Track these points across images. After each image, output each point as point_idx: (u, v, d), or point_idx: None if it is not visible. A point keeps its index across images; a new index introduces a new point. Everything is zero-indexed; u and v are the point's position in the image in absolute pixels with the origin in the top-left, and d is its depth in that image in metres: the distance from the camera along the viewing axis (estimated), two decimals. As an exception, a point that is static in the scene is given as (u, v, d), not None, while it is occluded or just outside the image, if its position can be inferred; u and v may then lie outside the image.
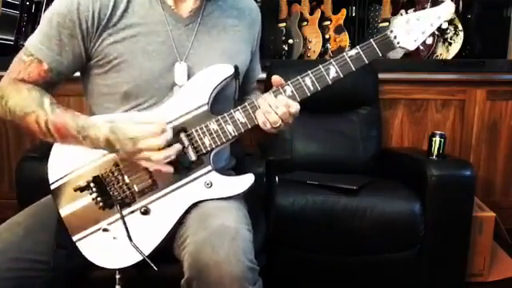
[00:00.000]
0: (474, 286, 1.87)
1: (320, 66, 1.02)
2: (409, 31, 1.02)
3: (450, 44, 2.31)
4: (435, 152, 1.79)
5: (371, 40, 1.02)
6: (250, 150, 1.48)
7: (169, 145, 0.94)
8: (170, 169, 0.95)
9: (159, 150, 0.92)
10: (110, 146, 0.95)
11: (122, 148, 0.94)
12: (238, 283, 0.84)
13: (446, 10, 1.02)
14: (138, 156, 0.94)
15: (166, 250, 1.00)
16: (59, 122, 0.96)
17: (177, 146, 0.95)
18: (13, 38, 2.33)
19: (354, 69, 1.02)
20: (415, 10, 2.29)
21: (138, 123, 0.93)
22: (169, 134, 0.94)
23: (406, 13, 2.32)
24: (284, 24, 2.47)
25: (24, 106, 0.97)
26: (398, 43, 1.02)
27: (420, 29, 1.02)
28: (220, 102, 1.06)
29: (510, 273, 1.94)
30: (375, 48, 1.01)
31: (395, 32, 1.02)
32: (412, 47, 1.03)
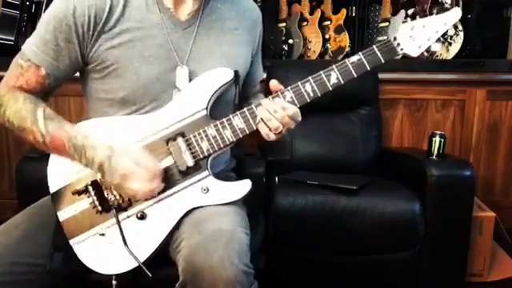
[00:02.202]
0: (474, 285, 1.87)
1: (321, 72, 1.01)
2: (413, 38, 1.01)
3: (450, 44, 2.31)
4: (435, 152, 1.79)
5: (374, 46, 1.01)
6: (250, 151, 1.48)
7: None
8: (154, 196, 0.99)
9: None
10: (101, 170, 0.94)
11: (110, 178, 0.94)
12: (232, 287, 0.84)
13: (453, 17, 1.01)
14: (123, 191, 0.96)
15: (162, 253, 0.99)
16: (56, 140, 0.96)
17: (161, 185, 0.97)
18: (13, 38, 2.33)
19: (355, 75, 1.01)
20: (415, 10, 2.30)
21: (134, 161, 0.93)
22: (157, 183, 0.95)
23: (406, 12, 2.32)
24: (284, 24, 2.47)
25: (20, 119, 0.97)
26: (402, 49, 1.01)
27: (425, 36, 1.01)
28: (220, 107, 1.05)
29: (510, 273, 1.94)
30: (378, 55, 1.00)
31: (399, 39, 1.01)
32: (416, 54, 1.02)
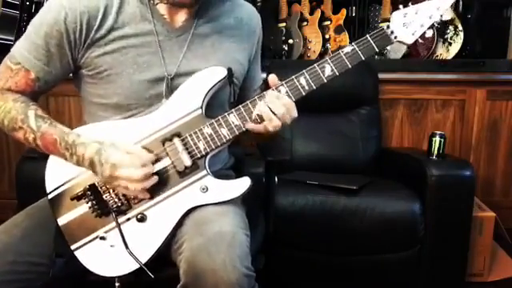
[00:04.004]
0: (474, 285, 1.87)
1: (315, 65, 1.00)
2: (407, 25, 1.00)
3: (450, 44, 2.31)
4: (435, 152, 1.79)
5: (367, 36, 1.00)
6: (250, 150, 1.48)
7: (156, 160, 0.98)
8: (147, 195, 0.97)
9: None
10: (92, 166, 0.94)
11: (101, 171, 0.93)
12: None
13: (446, 1, 0.99)
14: (115, 183, 0.94)
15: (164, 255, 0.99)
16: (47, 139, 0.97)
17: (154, 178, 0.96)
18: (13, 38, 2.32)
19: (350, 66, 1.00)
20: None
21: (124, 151, 0.93)
22: (149, 169, 0.94)
23: (405, 10, 2.32)
24: (284, 24, 2.47)
25: (10, 119, 0.98)
26: (396, 38, 1.01)
27: (418, 22, 1.00)
28: (215, 106, 1.04)
29: (510, 273, 1.94)
30: (371, 44, 1.00)
31: (392, 27, 1.01)
32: (410, 41, 1.01)
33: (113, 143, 0.95)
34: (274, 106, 0.97)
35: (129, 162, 0.92)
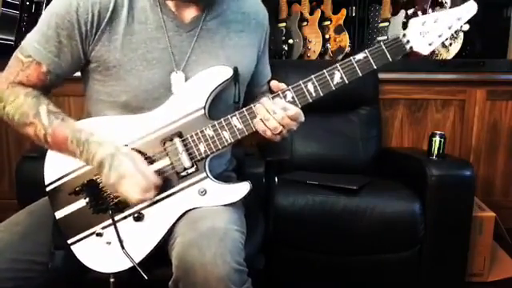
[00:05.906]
0: (474, 285, 1.87)
1: (324, 71, 0.97)
2: (424, 34, 0.95)
3: (450, 44, 2.31)
4: (435, 152, 1.79)
5: (381, 44, 0.96)
6: (250, 151, 1.48)
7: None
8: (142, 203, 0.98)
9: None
10: (99, 167, 0.93)
11: (107, 176, 0.92)
12: (224, 285, 0.83)
13: (468, 11, 0.94)
14: (116, 192, 0.95)
15: (161, 253, 0.99)
16: (58, 135, 0.95)
17: (151, 195, 0.95)
18: (13, 38, 2.33)
19: (360, 74, 0.97)
20: (415, 10, 2.29)
21: (136, 166, 0.92)
22: (151, 194, 0.94)
23: (406, 13, 2.32)
24: (284, 24, 2.47)
25: (22, 114, 0.97)
26: (411, 48, 0.96)
27: (437, 32, 0.95)
28: (219, 107, 1.03)
29: (510, 273, 1.94)
30: (385, 53, 0.96)
31: (408, 36, 0.96)
32: (426, 52, 0.96)
33: (128, 152, 0.94)
34: (276, 111, 0.95)
35: (135, 181, 0.91)
